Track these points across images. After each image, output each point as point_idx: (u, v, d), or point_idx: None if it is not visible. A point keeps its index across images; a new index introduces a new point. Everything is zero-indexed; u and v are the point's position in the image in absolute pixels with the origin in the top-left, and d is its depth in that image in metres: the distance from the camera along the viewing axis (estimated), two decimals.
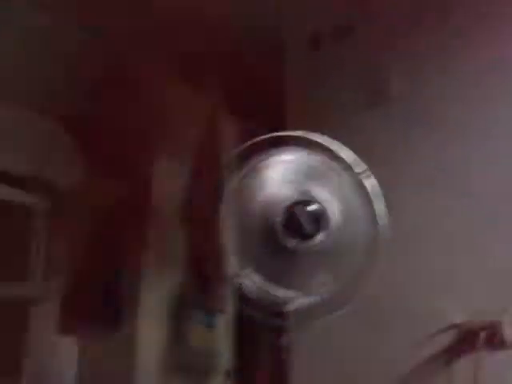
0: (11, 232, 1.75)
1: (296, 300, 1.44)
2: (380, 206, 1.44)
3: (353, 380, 1.80)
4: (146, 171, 2.32)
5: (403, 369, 1.77)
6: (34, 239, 1.72)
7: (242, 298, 1.49)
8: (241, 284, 1.49)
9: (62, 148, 1.82)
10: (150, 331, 2.13)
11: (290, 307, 1.44)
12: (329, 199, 1.43)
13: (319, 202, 1.41)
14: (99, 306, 2.17)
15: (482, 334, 1.60)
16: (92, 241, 2.01)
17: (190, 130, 2.40)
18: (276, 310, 1.45)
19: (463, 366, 1.66)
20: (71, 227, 1.94)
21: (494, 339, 1.58)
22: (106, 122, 2.22)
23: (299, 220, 1.37)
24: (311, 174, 1.47)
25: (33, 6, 2.06)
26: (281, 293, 1.45)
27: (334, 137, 1.52)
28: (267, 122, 1.95)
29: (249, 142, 1.57)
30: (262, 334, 2.27)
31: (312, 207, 1.40)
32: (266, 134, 1.59)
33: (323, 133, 1.52)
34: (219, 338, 2.31)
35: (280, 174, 1.50)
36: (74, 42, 2.39)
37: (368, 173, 1.46)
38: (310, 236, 1.38)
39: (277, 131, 1.59)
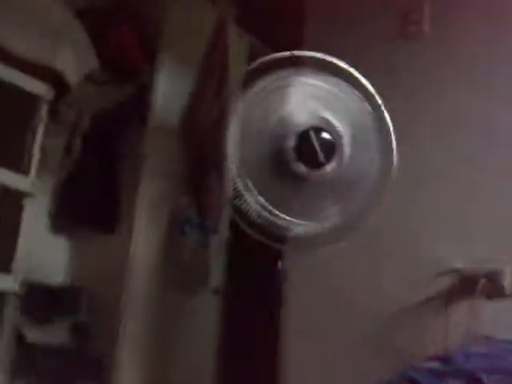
0: (11, 118, 1.69)
1: (298, 226, 1.42)
2: (393, 141, 1.40)
3: (348, 310, 1.82)
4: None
5: (399, 306, 1.77)
6: (34, 130, 1.67)
7: (243, 217, 1.47)
8: (243, 203, 1.46)
9: (75, 40, 1.72)
10: (144, 240, 2.13)
11: (292, 233, 1.43)
12: (344, 128, 1.37)
13: (334, 131, 1.36)
14: (96, 204, 2.15)
15: (482, 281, 1.62)
16: (91, 134, 1.96)
17: (197, 39, 2.28)
18: (276, 234, 1.43)
19: (460, 310, 1.66)
20: (71, 120, 1.89)
21: (493, 287, 1.60)
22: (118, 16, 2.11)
23: (313, 147, 1.33)
24: (329, 100, 1.40)
25: None
26: (283, 218, 1.43)
27: (354, 65, 1.44)
28: (282, 42, 1.85)
29: (266, 57, 1.49)
30: (253, 258, 2.29)
31: (326, 135, 1.35)
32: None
33: (343, 59, 1.44)
34: (211, 257, 2.33)
35: (296, 97, 1.43)
36: None
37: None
38: (322, 164, 1.34)
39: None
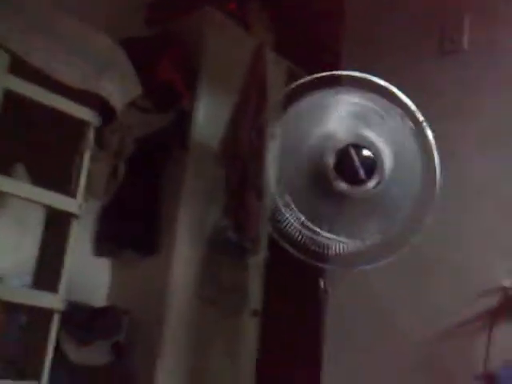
0: (60, 143, 1.76)
1: (340, 244, 1.42)
2: (436, 158, 1.39)
3: (391, 330, 1.78)
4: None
5: (444, 325, 1.73)
6: (81, 155, 1.73)
7: (284, 236, 1.48)
8: (284, 222, 1.48)
9: (119, 67, 1.79)
10: (184, 261, 2.16)
11: (333, 251, 1.43)
12: (384, 145, 1.38)
13: (374, 147, 1.36)
14: (138, 227, 2.20)
15: None
16: (134, 159, 2.01)
17: (235, 66, 2.35)
18: (318, 252, 1.44)
19: (506, 329, 1.62)
20: (115, 146, 1.95)
21: None
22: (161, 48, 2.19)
23: (353, 164, 1.34)
24: (368, 118, 1.42)
25: None
26: (325, 235, 1.43)
27: (392, 82, 1.45)
28: (319, 65, 1.88)
29: (304, 79, 1.52)
30: (291, 278, 2.28)
31: (367, 152, 1.36)
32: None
33: (380, 77, 1.46)
34: (250, 278, 2.33)
35: (335, 115, 1.45)
36: None
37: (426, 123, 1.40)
38: (363, 181, 1.34)
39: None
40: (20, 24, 1.55)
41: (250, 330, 2.35)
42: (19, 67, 1.56)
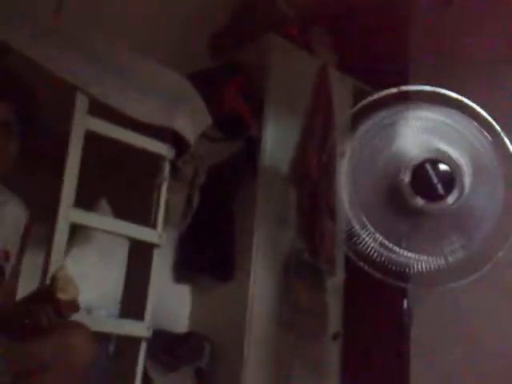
0: (139, 177, 1.84)
1: (420, 262, 1.38)
2: None
3: (478, 349, 1.70)
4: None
5: None
6: (159, 188, 1.80)
7: (361, 257, 1.46)
8: (361, 243, 1.46)
9: (190, 101, 1.86)
10: (261, 286, 2.17)
11: (414, 269, 1.39)
12: (461, 159, 1.34)
13: (452, 162, 1.33)
14: (214, 253, 2.25)
15: None
16: (207, 187, 2.07)
17: (301, 88, 2.36)
18: (398, 272, 1.40)
19: None
20: (189, 176, 2.01)
21: None
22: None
23: (430, 179, 1.31)
24: (443, 132, 1.39)
25: None
26: (404, 254, 1.40)
27: (464, 95, 1.41)
28: (385, 81, 1.86)
29: (372, 97, 1.50)
30: (372, 300, 2.23)
31: (443, 166, 1.32)
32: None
33: (451, 90, 1.42)
34: (329, 301, 2.31)
35: (408, 131, 1.43)
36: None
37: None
38: (441, 197, 1.31)
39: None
40: (97, 68, 1.65)
41: (332, 353, 2.32)
42: (98, 109, 1.66)
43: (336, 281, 2.33)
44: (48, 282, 1.28)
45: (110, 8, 2.22)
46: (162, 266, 2.09)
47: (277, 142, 2.33)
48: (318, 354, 2.29)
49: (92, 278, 2.07)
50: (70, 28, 1.67)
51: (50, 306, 1.17)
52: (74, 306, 1.20)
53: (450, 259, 1.34)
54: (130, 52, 1.80)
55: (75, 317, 1.24)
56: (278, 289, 2.22)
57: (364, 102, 1.52)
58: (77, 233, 1.87)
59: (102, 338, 1.76)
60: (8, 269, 1.38)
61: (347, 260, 2.21)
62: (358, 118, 1.52)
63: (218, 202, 2.30)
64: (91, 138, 1.65)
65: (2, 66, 1.50)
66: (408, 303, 1.41)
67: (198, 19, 2.50)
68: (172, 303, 2.31)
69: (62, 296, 1.17)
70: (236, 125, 2.29)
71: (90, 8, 2.14)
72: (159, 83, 1.82)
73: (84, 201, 1.65)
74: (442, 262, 1.36)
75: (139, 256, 1.82)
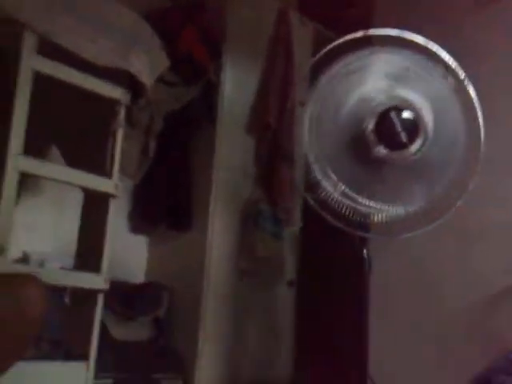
0: (92, 124, 1.75)
1: (381, 212, 1.38)
2: (480, 118, 1.33)
3: (437, 296, 1.75)
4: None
5: (492, 291, 1.68)
6: (114, 135, 1.72)
7: (323, 206, 1.44)
8: (322, 192, 1.44)
9: (146, 42, 1.76)
10: (219, 235, 2.16)
11: (374, 219, 1.39)
12: (425, 106, 1.32)
13: (416, 109, 1.31)
14: (171, 203, 2.20)
15: None
16: (163, 135, 2.00)
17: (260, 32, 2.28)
18: (358, 221, 1.40)
19: None
20: (145, 123, 1.93)
21: None
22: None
23: (393, 127, 1.29)
24: (406, 78, 1.35)
25: None
26: (366, 203, 1.39)
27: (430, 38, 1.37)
28: (347, 25, 1.80)
29: (333, 43, 1.45)
30: (330, 248, 2.26)
31: (407, 114, 1.30)
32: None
33: (415, 32, 1.38)
34: (285, 249, 2.32)
35: (372, 78, 1.39)
36: None
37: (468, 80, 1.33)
38: (404, 145, 1.29)
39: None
40: (47, 3, 1.52)
41: (287, 300, 2.36)
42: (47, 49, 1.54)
43: (293, 230, 2.34)
44: None
45: None
46: (117, 217, 2.03)
47: (236, 87, 2.26)
48: (273, 302, 2.33)
49: (45, 229, 2.00)
50: None
51: None
52: None
53: (410, 209, 1.34)
54: None
55: (28, 269, 1.19)
56: (236, 238, 2.22)
57: (326, 49, 1.46)
58: (27, 182, 1.78)
59: (57, 289, 1.72)
60: None
61: (305, 209, 2.22)
62: (320, 65, 1.47)
63: (175, 151, 2.24)
64: (41, 81, 1.55)
65: None
66: (367, 252, 1.42)
67: None
68: (128, 254, 2.28)
69: None
70: (193, 68, 2.20)
71: None
72: (114, 23, 1.71)
73: (34, 148, 1.56)
74: (403, 211, 1.37)
75: (94, 206, 1.75)
